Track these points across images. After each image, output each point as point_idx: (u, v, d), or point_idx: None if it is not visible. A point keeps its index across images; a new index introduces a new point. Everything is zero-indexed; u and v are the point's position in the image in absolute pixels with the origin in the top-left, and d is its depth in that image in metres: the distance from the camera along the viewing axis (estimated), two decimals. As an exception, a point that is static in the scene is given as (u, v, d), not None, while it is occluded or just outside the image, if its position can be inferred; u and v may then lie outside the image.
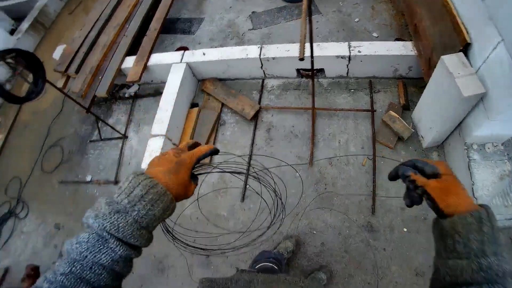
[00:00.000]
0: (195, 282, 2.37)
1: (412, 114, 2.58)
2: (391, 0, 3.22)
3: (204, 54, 2.89)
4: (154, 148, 2.60)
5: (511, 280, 0.51)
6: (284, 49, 2.71)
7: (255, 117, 2.84)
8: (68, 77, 3.17)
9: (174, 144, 2.75)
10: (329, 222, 2.36)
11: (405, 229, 2.25)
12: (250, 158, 2.70)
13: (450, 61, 1.91)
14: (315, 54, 2.61)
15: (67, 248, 0.52)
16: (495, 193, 2.01)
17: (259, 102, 2.92)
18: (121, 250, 0.52)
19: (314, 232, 2.35)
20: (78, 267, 0.49)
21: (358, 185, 2.44)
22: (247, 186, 2.60)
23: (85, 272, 0.50)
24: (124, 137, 3.13)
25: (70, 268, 0.49)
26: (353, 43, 2.62)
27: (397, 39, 2.87)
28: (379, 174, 2.44)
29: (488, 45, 1.74)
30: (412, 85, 2.74)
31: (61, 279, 0.48)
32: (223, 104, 2.96)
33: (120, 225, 0.52)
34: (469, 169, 2.05)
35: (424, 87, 2.68)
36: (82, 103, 2.74)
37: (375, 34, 3.07)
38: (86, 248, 0.50)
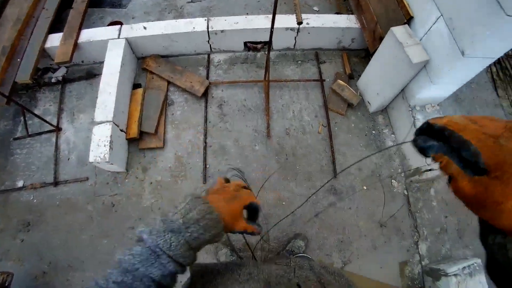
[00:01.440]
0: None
1: (357, 82, 2.73)
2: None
3: (145, 28, 2.62)
4: (100, 136, 2.31)
5: None
6: (233, 21, 2.60)
7: (205, 94, 2.71)
8: (-28, 62, 2.59)
9: (122, 130, 2.50)
10: (295, 191, 2.42)
11: (364, 187, 2.43)
12: (205, 136, 2.59)
13: (399, 32, 2.10)
14: (265, 26, 2.60)
15: (119, 258, 0.54)
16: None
17: (207, 78, 2.79)
18: (171, 267, 0.54)
19: (283, 203, 2.39)
20: (130, 277, 0.51)
21: (317, 152, 2.53)
22: (207, 166, 2.51)
23: (135, 283, 0.51)
24: (57, 129, 2.73)
25: (122, 277, 0.51)
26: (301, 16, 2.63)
27: (337, 13, 2.97)
28: (335, 139, 2.56)
29: (429, 19, 1.96)
30: (354, 55, 2.89)
31: (113, 287, 0.50)
32: (169, 82, 2.76)
33: (173, 243, 0.54)
34: (414, 127, 2.30)
35: (365, 57, 2.86)
36: (-2, 93, 2.28)
37: (315, 8, 3.13)
38: (139, 261, 0.53)
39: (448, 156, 0.43)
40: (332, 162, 2.48)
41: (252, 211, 0.75)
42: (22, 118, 2.77)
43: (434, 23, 1.92)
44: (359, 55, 2.88)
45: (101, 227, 2.45)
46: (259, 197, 2.36)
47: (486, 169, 0.38)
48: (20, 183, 2.66)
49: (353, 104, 2.62)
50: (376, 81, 2.49)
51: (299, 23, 1.63)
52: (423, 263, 2.24)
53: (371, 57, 2.54)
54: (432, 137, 0.45)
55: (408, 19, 2.16)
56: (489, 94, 2.90)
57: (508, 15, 1.44)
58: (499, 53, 1.77)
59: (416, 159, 2.35)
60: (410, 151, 2.42)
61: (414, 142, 0.47)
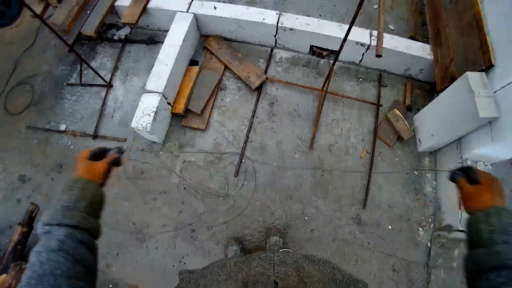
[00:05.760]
0: (177, 256, 2.31)
1: (414, 116, 2.58)
2: (413, -6, 3.08)
3: (215, 8, 2.57)
4: (147, 105, 2.33)
5: None
6: (304, 22, 2.51)
7: (259, 88, 2.66)
8: (48, 5, 2.65)
9: (169, 103, 2.50)
10: (321, 209, 2.37)
11: (389, 227, 2.33)
12: (249, 130, 2.56)
13: (473, 78, 1.90)
14: (336, 34, 2.49)
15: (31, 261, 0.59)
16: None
17: (265, 72, 2.73)
18: (59, 232, 0.61)
19: (306, 217, 2.35)
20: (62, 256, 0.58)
21: (353, 177, 2.45)
22: (243, 160, 2.49)
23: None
24: (109, 85, 2.78)
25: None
26: (374, 33, 2.50)
27: (411, 37, 2.79)
28: (375, 169, 2.46)
29: (511, 73, 1.76)
30: (418, 87, 2.72)
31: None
32: (226, 67, 2.72)
33: (52, 213, 0.64)
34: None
35: (429, 91, 2.70)
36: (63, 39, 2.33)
37: (391, 27, 2.95)
38: (40, 251, 0.59)
39: (463, 180, 0.80)
40: (365, 191, 2.39)
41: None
42: (79, 67, 2.84)
43: (517, 78, 1.73)
44: (424, 87, 2.71)
45: (126, 190, 2.51)
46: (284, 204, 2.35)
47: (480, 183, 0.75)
48: (62, 127, 2.76)
49: (403, 138, 2.49)
50: (434, 122, 2.33)
51: (378, 55, 1.48)
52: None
53: (436, 94, 2.38)
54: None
55: (487, 67, 1.95)
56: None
57: None
58: None
59: (451, 216, 2.21)
60: (447, 204, 2.28)
61: (451, 174, 0.85)
